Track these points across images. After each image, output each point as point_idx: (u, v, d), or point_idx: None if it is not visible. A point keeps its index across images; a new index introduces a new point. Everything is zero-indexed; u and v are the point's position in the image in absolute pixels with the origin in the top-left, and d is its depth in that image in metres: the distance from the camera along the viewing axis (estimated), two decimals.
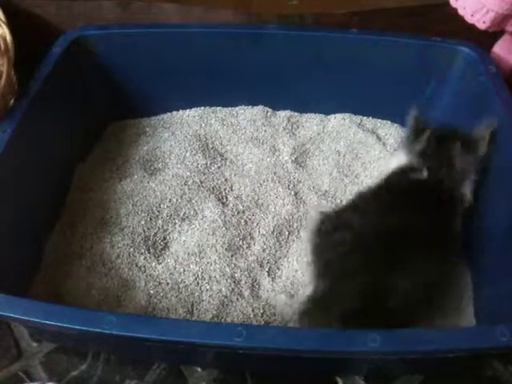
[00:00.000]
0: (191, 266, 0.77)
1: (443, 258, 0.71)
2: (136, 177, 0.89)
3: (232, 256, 0.78)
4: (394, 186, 0.77)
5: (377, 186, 0.77)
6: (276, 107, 1.00)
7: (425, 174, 0.75)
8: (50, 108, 0.83)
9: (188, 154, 0.92)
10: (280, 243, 0.80)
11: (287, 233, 0.81)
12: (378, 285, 0.65)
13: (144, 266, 0.77)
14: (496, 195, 0.75)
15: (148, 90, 0.96)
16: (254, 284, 0.76)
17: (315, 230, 0.74)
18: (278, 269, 0.78)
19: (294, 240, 0.81)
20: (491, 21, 0.78)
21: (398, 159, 0.80)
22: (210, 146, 0.95)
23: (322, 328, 0.64)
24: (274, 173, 0.90)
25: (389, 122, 0.98)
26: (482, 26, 0.79)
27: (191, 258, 0.78)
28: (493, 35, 0.84)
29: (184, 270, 0.77)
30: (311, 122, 0.99)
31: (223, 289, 0.75)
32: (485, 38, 0.84)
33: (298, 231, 0.82)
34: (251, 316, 0.72)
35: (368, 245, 0.69)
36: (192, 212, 0.84)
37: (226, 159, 0.93)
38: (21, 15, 0.93)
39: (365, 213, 0.73)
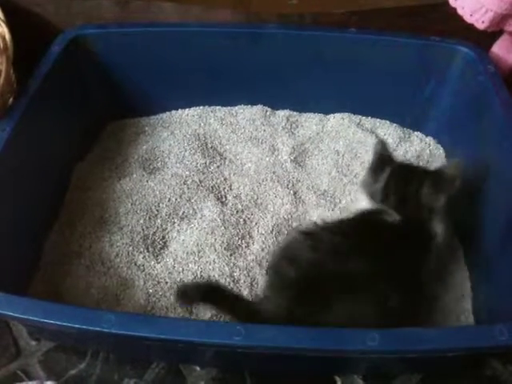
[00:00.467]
0: (190, 265, 0.77)
1: (411, 294, 0.68)
2: (135, 176, 0.89)
3: (231, 255, 0.78)
4: (360, 227, 0.73)
5: (344, 224, 0.73)
6: (275, 107, 1.00)
7: (396, 217, 0.72)
8: (49, 107, 0.83)
9: (187, 154, 0.92)
10: (279, 242, 0.80)
11: (286, 232, 0.81)
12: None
13: (143, 265, 0.77)
14: (495, 195, 0.75)
15: (147, 89, 0.96)
16: (253, 283, 0.76)
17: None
18: None
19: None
20: (490, 20, 0.78)
21: (366, 201, 0.76)
22: (209, 145, 0.95)
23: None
24: (273, 172, 0.90)
25: (388, 122, 0.98)
26: (480, 25, 0.79)
27: (190, 257, 0.78)
28: (492, 35, 0.84)
29: (183, 269, 0.77)
30: (310, 122, 0.99)
31: None
32: (484, 38, 0.84)
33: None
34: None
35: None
36: (191, 211, 0.84)
37: (225, 158, 0.93)
38: (20, 14, 0.92)
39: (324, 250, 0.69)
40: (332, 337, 0.56)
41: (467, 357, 0.69)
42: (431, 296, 0.74)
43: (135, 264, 0.77)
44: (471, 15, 0.79)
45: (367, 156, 0.92)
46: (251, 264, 0.77)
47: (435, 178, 0.73)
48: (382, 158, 0.76)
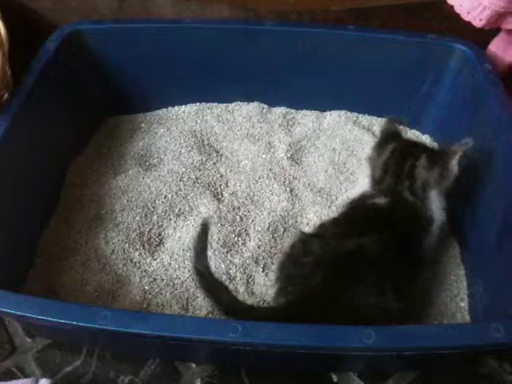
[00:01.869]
0: (186, 262, 0.77)
1: (409, 276, 0.69)
2: (131, 172, 0.89)
3: (227, 252, 0.78)
4: (354, 213, 0.75)
5: (339, 215, 0.76)
6: (272, 104, 1.00)
7: (381, 200, 0.73)
8: (45, 103, 0.82)
9: (183, 150, 0.92)
10: (275, 240, 0.80)
11: (282, 229, 0.81)
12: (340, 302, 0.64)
13: (139, 262, 0.77)
14: (492, 193, 0.75)
15: (143, 86, 0.96)
16: (249, 280, 0.76)
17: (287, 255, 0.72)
18: (273, 265, 0.77)
19: (289, 236, 0.81)
20: (487, 19, 0.78)
21: (361, 185, 0.78)
22: (206, 142, 0.94)
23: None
24: (270, 169, 0.89)
25: (384, 120, 0.98)
26: (478, 23, 0.79)
27: (186, 254, 0.78)
28: (489, 33, 0.84)
29: (179, 266, 0.77)
30: (307, 119, 0.99)
31: None
32: (481, 36, 0.84)
33: (294, 228, 0.82)
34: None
35: (329, 268, 0.67)
36: (187, 208, 0.83)
37: (222, 155, 0.93)
38: (16, 9, 0.92)
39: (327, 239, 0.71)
40: (328, 334, 0.56)
41: (463, 355, 0.69)
42: (427, 293, 0.74)
43: (131, 261, 0.77)
44: (468, 13, 0.79)
45: (363, 153, 0.92)
46: (247, 261, 0.77)
47: (433, 152, 0.75)
48: (389, 134, 0.78)
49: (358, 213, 0.75)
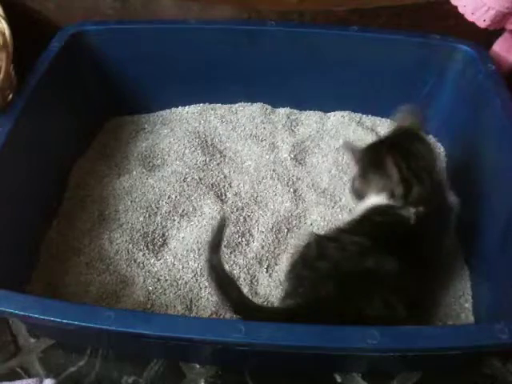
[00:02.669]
0: (190, 263, 0.77)
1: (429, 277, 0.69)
2: (135, 173, 0.89)
3: (231, 253, 0.78)
4: (376, 227, 0.70)
5: (357, 223, 0.72)
6: (275, 104, 1.00)
7: (410, 211, 0.68)
8: (49, 103, 0.83)
9: (187, 151, 0.92)
10: (279, 240, 0.80)
11: (286, 230, 0.81)
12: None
13: (143, 263, 0.77)
14: (495, 193, 0.75)
15: (147, 87, 0.96)
16: (253, 281, 0.76)
17: (301, 255, 0.71)
18: (277, 265, 0.77)
19: (292, 237, 0.81)
20: (491, 19, 0.78)
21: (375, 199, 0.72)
22: (209, 142, 0.94)
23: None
24: (273, 170, 0.89)
25: (388, 120, 0.98)
26: (482, 24, 0.79)
27: (190, 255, 0.78)
28: (493, 34, 0.84)
29: (183, 267, 0.77)
30: (310, 120, 0.99)
31: None
32: (484, 37, 0.84)
33: (297, 228, 0.82)
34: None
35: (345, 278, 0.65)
36: (191, 209, 0.84)
37: (225, 156, 0.93)
38: (20, 10, 0.92)
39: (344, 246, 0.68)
40: (332, 335, 0.56)
41: (467, 355, 0.69)
42: (432, 295, 0.74)
43: (135, 261, 0.77)
44: (473, 13, 0.79)
45: None
46: (251, 262, 0.77)
47: (421, 144, 0.71)
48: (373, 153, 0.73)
49: (380, 227, 0.70)
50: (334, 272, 0.66)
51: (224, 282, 0.66)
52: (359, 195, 0.74)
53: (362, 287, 0.65)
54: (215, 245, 0.67)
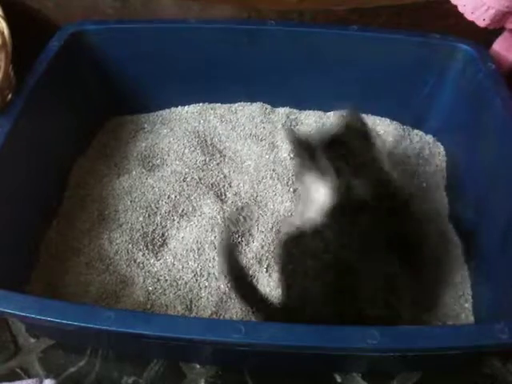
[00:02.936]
0: (190, 263, 0.77)
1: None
2: (134, 173, 0.89)
3: None
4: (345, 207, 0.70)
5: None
6: (275, 104, 1.00)
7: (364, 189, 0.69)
8: (48, 103, 0.83)
9: (187, 151, 0.92)
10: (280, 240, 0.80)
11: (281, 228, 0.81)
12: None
13: (142, 263, 0.77)
14: (495, 193, 0.75)
15: (146, 86, 0.96)
16: (253, 280, 0.76)
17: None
18: (277, 265, 0.77)
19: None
20: (491, 18, 0.78)
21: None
22: (209, 142, 0.94)
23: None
24: (273, 170, 0.89)
25: (388, 120, 0.98)
26: (481, 23, 0.79)
27: (190, 255, 0.78)
28: (492, 33, 0.84)
29: (183, 267, 0.77)
30: (310, 119, 0.98)
31: (222, 285, 0.75)
32: (484, 36, 0.84)
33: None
34: (250, 312, 0.72)
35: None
36: (191, 208, 0.83)
37: (225, 156, 0.92)
38: (19, 9, 0.92)
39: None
40: (332, 335, 0.56)
41: (467, 355, 0.69)
42: (432, 294, 0.74)
43: (135, 261, 0.77)
44: (472, 13, 0.79)
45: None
46: (251, 261, 0.77)
47: (360, 140, 0.73)
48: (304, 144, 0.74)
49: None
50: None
51: (247, 291, 0.69)
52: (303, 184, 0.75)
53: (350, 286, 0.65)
54: (231, 256, 0.69)
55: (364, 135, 0.74)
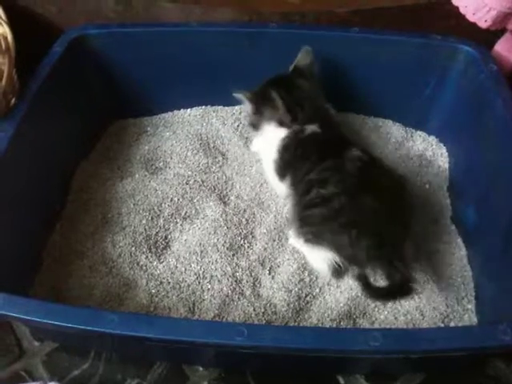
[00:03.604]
0: (192, 265, 0.77)
1: None
2: (137, 176, 0.89)
3: (233, 255, 0.78)
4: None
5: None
6: None
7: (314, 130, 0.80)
8: (51, 107, 0.83)
9: (189, 154, 0.92)
10: (281, 242, 0.80)
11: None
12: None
13: (145, 265, 0.77)
14: (498, 194, 0.75)
15: (149, 89, 0.96)
16: (256, 283, 0.76)
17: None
18: (279, 267, 0.78)
19: None
20: (493, 19, 0.78)
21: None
22: (212, 145, 0.94)
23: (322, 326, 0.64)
24: None
25: (390, 121, 0.98)
26: (483, 24, 0.79)
27: (192, 257, 0.78)
28: (494, 34, 0.84)
29: (185, 269, 0.77)
30: None
31: (224, 288, 0.75)
32: (486, 37, 0.84)
33: None
34: (252, 315, 0.72)
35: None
36: (193, 211, 0.84)
37: (227, 158, 0.93)
38: (22, 14, 0.93)
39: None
40: (334, 337, 0.56)
41: (470, 357, 0.69)
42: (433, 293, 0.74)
43: (138, 264, 0.78)
44: (474, 14, 0.79)
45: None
46: (254, 264, 0.77)
47: (304, 77, 0.84)
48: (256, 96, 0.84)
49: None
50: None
51: None
52: (255, 127, 0.86)
53: None
54: None
55: (310, 73, 0.85)
